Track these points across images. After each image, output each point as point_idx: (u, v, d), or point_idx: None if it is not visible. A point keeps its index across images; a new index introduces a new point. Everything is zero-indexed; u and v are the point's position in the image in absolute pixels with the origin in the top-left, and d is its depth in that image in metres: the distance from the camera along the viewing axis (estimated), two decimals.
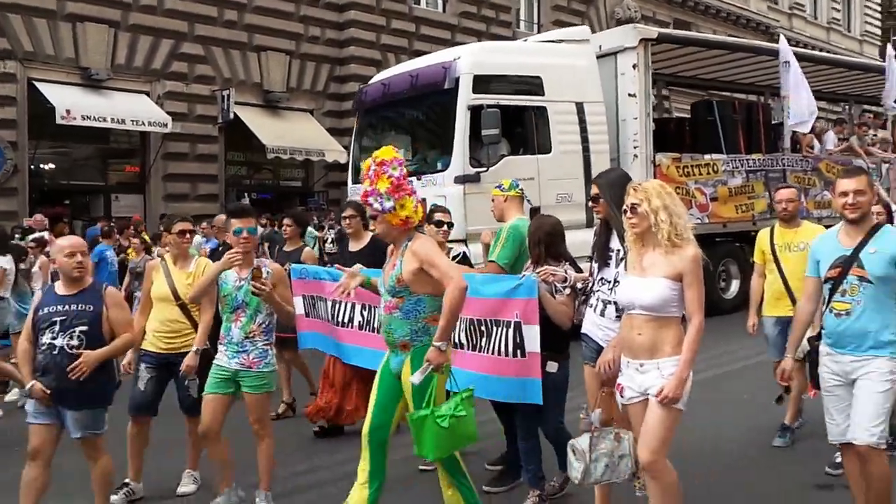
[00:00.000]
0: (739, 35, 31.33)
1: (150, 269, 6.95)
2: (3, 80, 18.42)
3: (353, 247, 8.25)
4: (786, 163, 16.29)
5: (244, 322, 6.05)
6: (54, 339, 5.66)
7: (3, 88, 18.42)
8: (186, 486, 6.85)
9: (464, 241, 11.42)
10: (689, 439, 5.49)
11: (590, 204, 5.60)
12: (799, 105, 15.33)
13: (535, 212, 12.13)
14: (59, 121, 17.68)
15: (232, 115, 21.16)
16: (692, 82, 18.07)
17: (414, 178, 12.56)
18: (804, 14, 40.95)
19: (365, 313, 7.52)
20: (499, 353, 6.00)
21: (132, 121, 19.20)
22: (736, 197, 15.34)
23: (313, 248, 15.38)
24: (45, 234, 16.07)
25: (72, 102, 18.40)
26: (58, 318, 5.69)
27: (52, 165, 20.54)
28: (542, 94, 13.34)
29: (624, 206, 4.79)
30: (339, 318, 7.86)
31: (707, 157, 15.19)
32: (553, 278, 5.68)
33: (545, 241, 5.96)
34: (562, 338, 5.89)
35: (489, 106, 12.24)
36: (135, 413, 6.72)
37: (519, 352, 5.86)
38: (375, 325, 7.14)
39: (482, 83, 12.71)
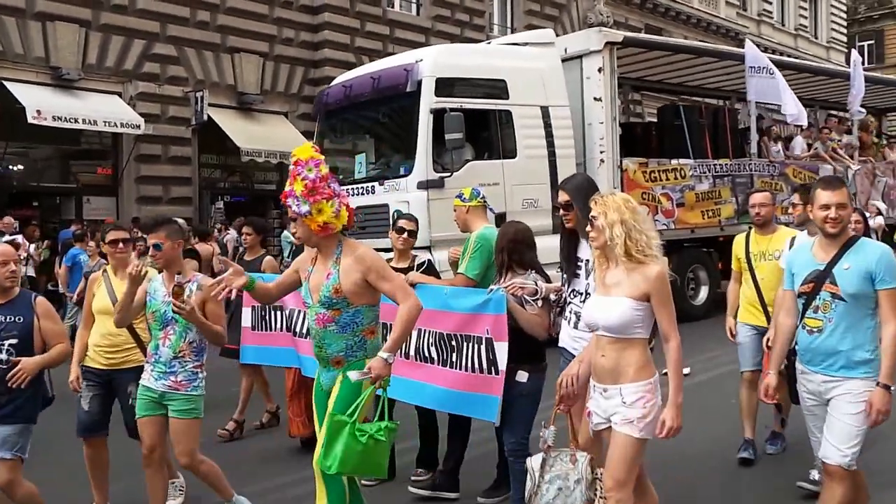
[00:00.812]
0: (710, 41, 30.86)
1: (92, 281, 6.41)
2: None
3: None
4: (753, 167, 15.72)
5: (173, 340, 5.50)
6: None
7: None
8: (174, 501, 6.31)
9: (428, 248, 10.83)
10: (676, 447, 5.07)
11: (560, 212, 5.18)
12: (789, 104, 14.83)
13: (500, 218, 11.53)
14: (30, 121, 16.84)
15: (206, 117, 20.37)
16: (659, 87, 17.50)
17: (376, 183, 12.26)
18: (772, 21, 40.42)
19: None
20: (471, 370, 5.68)
21: (104, 122, 18.34)
22: (703, 202, 14.77)
23: (288, 254, 14.74)
24: (19, 238, 15.49)
25: (43, 102, 17.59)
26: None
27: (21, 167, 19.77)
28: (507, 98, 12.69)
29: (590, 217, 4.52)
30: (298, 329, 7.37)
31: (674, 161, 14.60)
32: (522, 292, 5.31)
33: (508, 249, 5.59)
34: (536, 348, 5.53)
35: (452, 109, 11.58)
36: (84, 434, 6.17)
37: (493, 369, 5.54)
38: None
39: (445, 86, 12.06)
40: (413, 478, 6.51)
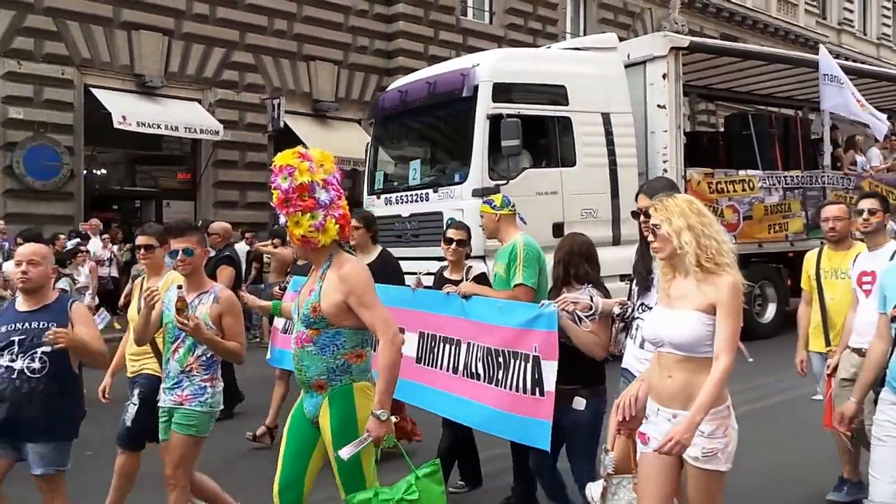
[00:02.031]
0: (788, 51, 29.22)
1: (135, 286, 5.92)
2: (61, 86, 17.55)
3: (362, 261, 7.01)
4: (826, 180, 14.45)
5: (181, 354, 4.94)
6: (13, 361, 4.65)
7: (61, 94, 17.56)
8: None
9: (482, 258, 9.92)
10: (740, 482, 4.24)
11: (641, 219, 4.47)
12: (871, 115, 13.60)
13: (558, 228, 10.88)
14: (115, 126, 16.68)
15: (282, 124, 20.04)
16: (727, 95, 16.22)
17: (430, 191, 11.43)
18: (853, 30, 38.32)
19: None
20: (516, 389, 5.06)
21: (185, 128, 18.24)
22: (771, 216, 13.61)
23: None
24: (97, 239, 15.27)
25: (127, 109, 17.46)
26: (16, 338, 4.68)
27: (104, 171, 19.60)
28: (567, 104, 11.73)
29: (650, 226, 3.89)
30: None
31: (742, 172, 13.47)
32: (574, 307, 4.72)
33: (565, 262, 5.13)
34: (594, 368, 4.97)
35: (509, 115, 10.69)
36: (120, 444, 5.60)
37: (538, 389, 4.90)
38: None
39: (502, 91, 11.19)
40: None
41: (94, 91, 17.82)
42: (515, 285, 5.82)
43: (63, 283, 10.92)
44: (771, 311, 14.00)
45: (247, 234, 15.83)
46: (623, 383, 4.47)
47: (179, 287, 4.82)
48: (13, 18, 16.88)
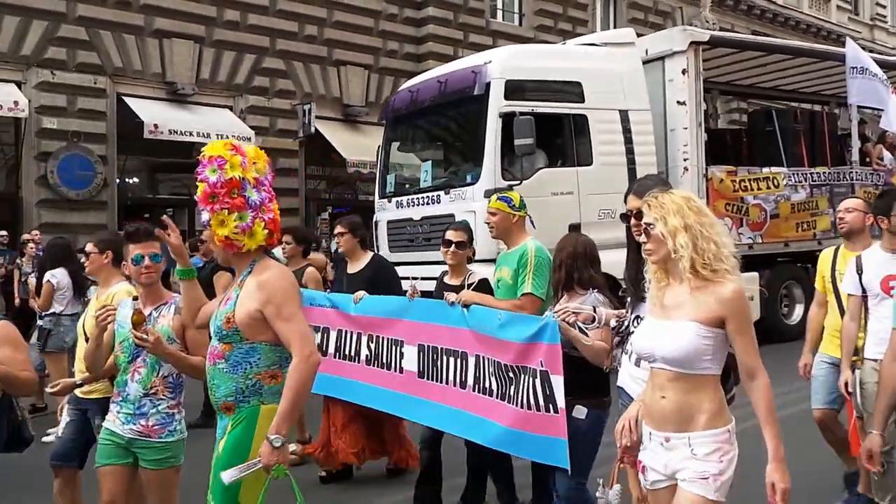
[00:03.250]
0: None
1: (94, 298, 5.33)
2: (94, 96, 17.08)
3: (352, 268, 6.63)
4: (854, 176, 13.41)
5: (144, 374, 4.19)
6: None
7: (94, 103, 17.10)
8: None
9: (493, 261, 9.17)
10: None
11: (631, 223, 3.93)
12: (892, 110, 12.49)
13: (574, 229, 9.94)
14: (146, 135, 16.24)
15: (313, 129, 19.42)
16: (750, 91, 15.07)
17: (441, 192, 10.65)
18: (886, 25, 36.57)
19: (372, 346, 6.01)
20: (528, 407, 4.60)
21: (217, 135, 17.42)
22: (798, 213, 12.66)
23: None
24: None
25: (159, 117, 16.97)
26: None
27: (136, 179, 19.16)
28: (583, 102, 10.94)
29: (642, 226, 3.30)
30: (345, 351, 6.26)
31: (766, 169, 12.53)
32: (575, 318, 4.24)
33: (567, 266, 4.60)
34: (597, 378, 4.43)
35: (522, 113, 9.98)
36: (53, 462, 5.08)
37: (551, 406, 4.47)
38: (385, 361, 5.85)
39: (515, 89, 10.43)
40: None
41: (126, 100, 17.36)
42: (523, 294, 5.23)
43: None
44: (798, 312, 13.00)
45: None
46: (621, 405, 3.95)
47: (135, 299, 4.19)
48: (46, 29, 16.43)
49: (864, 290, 5.04)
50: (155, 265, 4.32)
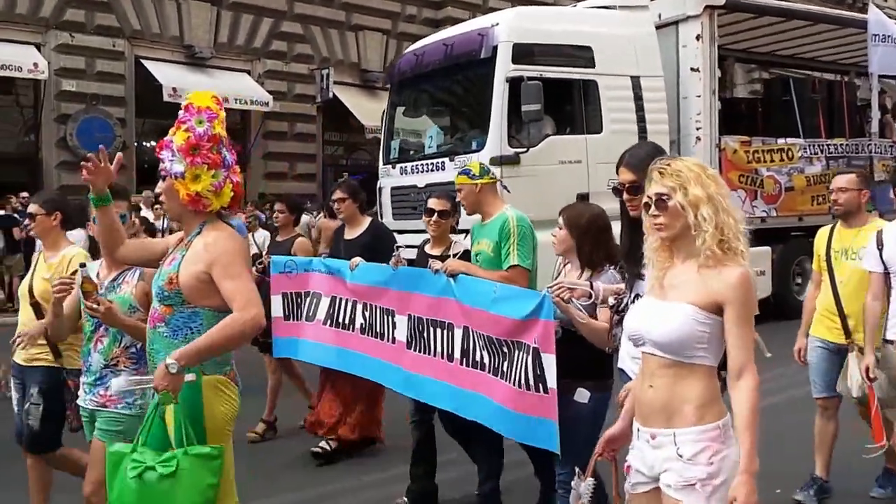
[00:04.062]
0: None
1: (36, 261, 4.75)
2: (112, 58, 16.72)
3: (350, 234, 6.10)
4: (872, 149, 12.37)
5: (106, 344, 3.79)
6: None
7: (113, 66, 16.69)
8: None
9: None
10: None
11: (624, 197, 3.40)
12: None
13: (582, 199, 9.19)
14: (166, 98, 15.65)
15: (331, 95, 18.69)
16: (767, 59, 13.94)
17: (445, 159, 9.86)
18: None
19: (367, 314, 5.45)
20: (518, 384, 4.07)
21: (235, 99, 17.14)
22: (814, 186, 11.68)
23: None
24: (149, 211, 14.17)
25: (177, 80, 16.40)
26: None
27: (153, 143, 18.30)
28: (593, 67, 10.04)
29: (644, 197, 2.72)
30: (340, 319, 5.69)
31: (781, 141, 11.58)
32: (570, 294, 3.69)
33: (595, 240, 3.98)
34: (601, 360, 3.87)
35: (530, 78, 9.16)
36: (19, 440, 4.61)
37: (541, 385, 3.92)
38: (378, 330, 5.33)
39: (523, 53, 9.56)
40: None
41: (144, 63, 16.88)
42: (510, 267, 4.65)
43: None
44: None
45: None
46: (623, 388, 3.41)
47: (82, 265, 3.67)
48: None
49: (885, 267, 4.59)
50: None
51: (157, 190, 3.46)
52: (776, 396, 6.89)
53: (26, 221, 4.70)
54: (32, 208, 4.56)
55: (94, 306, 3.44)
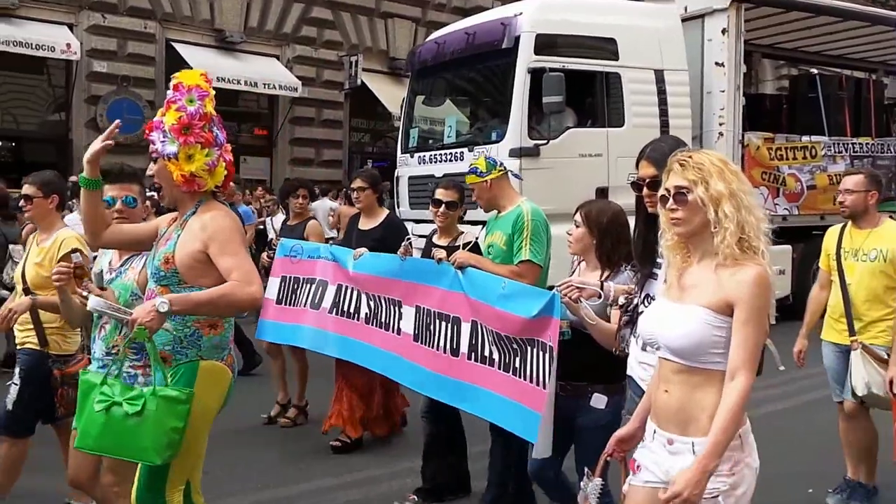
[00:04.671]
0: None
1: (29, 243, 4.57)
2: (143, 40, 16.25)
3: (365, 224, 5.89)
4: None
5: (108, 331, 3.59)
6: None
7: (144, 48, 16.25)
8: None
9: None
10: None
11: (644, 192, 3.11)
12: None
13: (601, 193, 8.91)
14: None
15: (359, 82, 18.23)
16: (793, 55, 13.28)
17: (464, 149, 9.44)
18: None
19: (372, 304, 5.16)
20: (530, 379, 3.84)
21: (264, 84, 16.76)
22: (836, 186, 11.03)
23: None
24: None
25: (207, 64, 15.66)
26: None
27: None
28: (616, 59, 9.58)
29: (661, 190, 2.50)
30: (344, 307, 5.38)
31: (805, 138, 11.04)
32: (579, 294, 3.43)
33: (616, 237, 3.73)
34: (615, 363, 3.49)
35: (552, 70, 8.73)
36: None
37: (541, 381, 3.76)
38: (383, 320, 5.03)
39: (546, 44, 9.12)
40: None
41: (175, 45, 16.40)
42: (521, 262, 4.41)
43: None
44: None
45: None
46: (631, 398, 3.29)
47: (75, 251, 3.73)
48: None
49: None
50: (129, 209, 3.74)
51: (149, 172, 3.31)
52: (807, 395, 6.67)
53: (21, 203, 4.34)
54: (29, 190, 4.26)
55: (83, 294, 3.29)
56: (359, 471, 5.40)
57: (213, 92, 3.20)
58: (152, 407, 2.88)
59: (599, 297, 3.47)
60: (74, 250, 3.68)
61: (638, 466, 2.62)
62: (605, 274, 3.71)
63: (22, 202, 4.33)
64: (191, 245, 3.08)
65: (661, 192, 2.51)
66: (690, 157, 2.47)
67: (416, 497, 4.88)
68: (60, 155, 15.97)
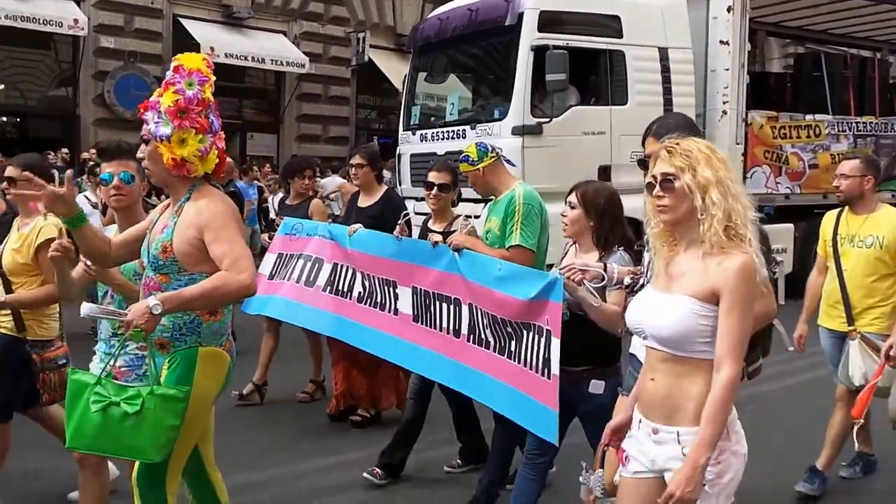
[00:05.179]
0: None
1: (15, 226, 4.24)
2: (150, 16, 15.99)
3: (363, 201, 5.68)
4: None
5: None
6: None
7: (151, 24, 16.00)
8: None
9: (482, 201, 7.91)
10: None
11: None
12: None
13: (603, 171, 8.72)
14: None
15: (367, 58, 17.87)
16: (798, 33, 12.83)
17: (466, 127, 9.17)
18: None
19: (366, 283, 4.97)
20: (527, 365, 3.65)
21: (271, 60, 16.53)
22: (839, 165, 10.78)
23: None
24: None
25: (215, 40, 15.72)
26: None
27: None
28: (620, 37, 9.25)
29: (648, 177, 2.41)
30: (338, 286, 5.21)
31: (808, 117, 10.71)
32: (582, 276, 3.27)
33: (613, 219, 3.58)
34: (611, 346, 3.56)
35: (556, 47, 8.44)
36: None
37: (546, 371, 3.51)
38: (378, 300, 4.85)
39: (550, 21, 8.81)
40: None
41: (182, 21, 16.13)
42: (511, 246, 4.23)
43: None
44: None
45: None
46: (630, 373, 3.21)
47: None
48: None
49: None
50: (126, 186, 3.57)
51: (140, 154, 3.17)
52: (816, 371, 6.35)
53: (4, 185, 4.10)
54: (14, 172, 3.99)
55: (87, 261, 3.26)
56: (378, 446, 5.23)
57: (214, 78, 3.04)
58: (151, 406, 2.78)
59: (602, 279, 3.29)
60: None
61: (626, 457, 2.57)
62: (600, 255, 3.55)
63: (4, 185, 4.10)
64: (187, 232, 2.95)
65: (648, 178, 2.42)
66: (678, 143, 2.40)
67: (457, 463, 4.94)
68: (67, 131, 15.73)
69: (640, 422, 2.51)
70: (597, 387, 3.55)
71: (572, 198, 3.62)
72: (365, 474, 4.68)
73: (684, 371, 2.36)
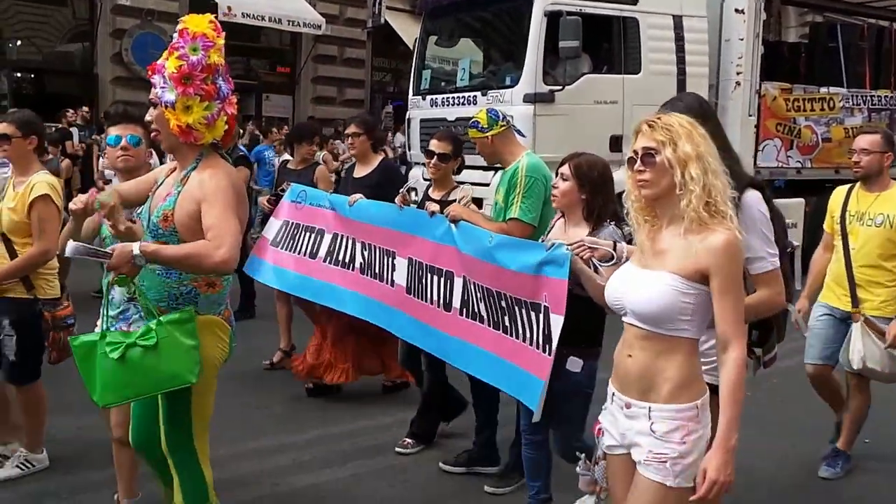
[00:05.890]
0: None
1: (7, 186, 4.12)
2: None
3: (359, 171, 5.41)
4: None
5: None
6: None
7: None
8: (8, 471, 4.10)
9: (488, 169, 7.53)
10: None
11: None
12: None
13: (616, 141, 8.42)
14: (220, 17, 13.91)
15: (383, 20, 17.31)
16: (814, 2, 12.25)
17: (477, 93, 8.80)
18: None
19: (366, 254, 4.77)
20: (522, 338, 3.48)
21: (288, 21, 15.92)
22: (853, 139, 10.27)
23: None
24: None
25: None
26: None
27: None
28: (634, 4, 8.84)
29: (629, 152, 2.33)
30: (339, 257, 4.98)
31: (823, 89, 10.19)
32: (591, 253, 3.05)
33: (603, 192, 3.40)
34: (595, 327, 3.39)
35: (569, 13, 8.05)
36: None
37: (548, 347, 3.30)
38: (377, 271, 4.66)
39: None
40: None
41: None
42: (510, 219, 4.03)
43: None
44: None
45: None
46: None
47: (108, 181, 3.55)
48: None
49: None
50: (134, 148, 3.52)
51: (148, 118, 2.99)
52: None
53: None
54: (7, 129, 3.86)
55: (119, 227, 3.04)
56: (376, 418, 5.11)
57: (222, 42, 2.84)
58: (164, 335, 2.74)
59: (611, 258, 3.06)
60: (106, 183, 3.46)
61: (600, 430, 2.54)
62: (590, 229, 3.39)
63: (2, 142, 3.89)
64: (188, 205, 2.82)
65: (629, 153, 2.35)
66: (659, 118, 2.33)
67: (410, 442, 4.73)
68: (85, 89, 15.37)
69: (613, 395, 2.46)
70: (574, 364, 3.41)
71: (564, 169, 3.42)
72: (397, 448, 4.60)
73: (662, 349, 2.30)
